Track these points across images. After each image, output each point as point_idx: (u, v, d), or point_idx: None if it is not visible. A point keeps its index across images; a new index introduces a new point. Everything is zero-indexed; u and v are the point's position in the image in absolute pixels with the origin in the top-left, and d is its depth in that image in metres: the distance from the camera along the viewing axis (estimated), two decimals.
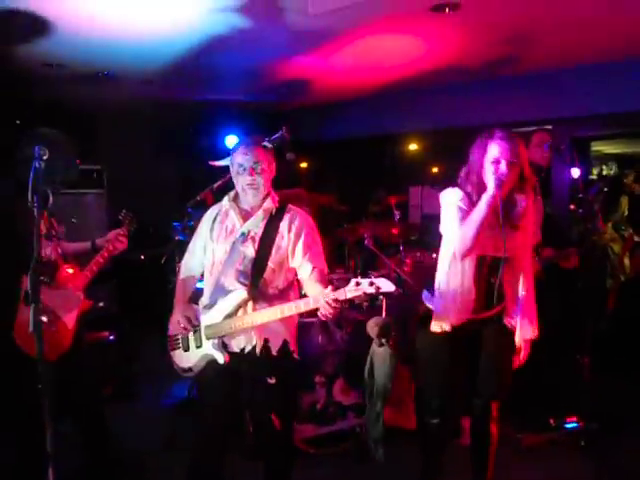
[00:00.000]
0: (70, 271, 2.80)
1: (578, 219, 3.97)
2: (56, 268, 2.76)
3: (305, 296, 2.39)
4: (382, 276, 3.51)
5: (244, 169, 2.43)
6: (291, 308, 2.31)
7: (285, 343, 2.47)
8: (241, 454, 3.12)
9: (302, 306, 2.29)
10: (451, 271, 2.50)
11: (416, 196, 5.29)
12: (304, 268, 2.44)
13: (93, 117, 4.89)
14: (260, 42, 3.77)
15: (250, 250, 2.44)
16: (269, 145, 2.67)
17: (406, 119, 5.36)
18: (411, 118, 5.29)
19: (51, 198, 2.23)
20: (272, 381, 2.40)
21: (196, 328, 2.50)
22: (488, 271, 2.49)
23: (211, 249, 2.52)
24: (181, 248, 4.99)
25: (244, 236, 2.46)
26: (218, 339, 2.44)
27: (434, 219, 2.64)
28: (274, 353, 2.43)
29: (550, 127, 4.53)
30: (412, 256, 3.65)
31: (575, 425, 3.48)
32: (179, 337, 2.57)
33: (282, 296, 2.46)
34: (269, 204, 2.48)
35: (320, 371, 3.40)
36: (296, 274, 2.51)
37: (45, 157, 2.21)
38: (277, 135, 3.08)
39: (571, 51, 4.13)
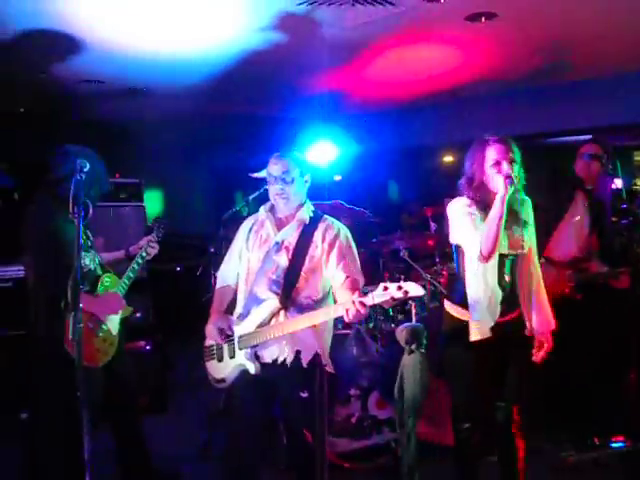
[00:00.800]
0: (109, 279, 2.88)
1: (621, 230, 3.84)
2: (96, 277, 2.83)
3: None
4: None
5: (274, 179, 2.46)
6: (319, 315, 2.31)
7: (316, 355, 2.44)
8: (275, 466, 3.10)
9: (331, 312, 2.29)
10: (476, 277, 2.52)
11: None
12: (337, 277, 2.42)
13: (131, 131, 5.00)
14: (297, 56, 3.81)
15: (284, 259, 2.44)
16: (301, 155, 2.66)
17: (441, 131, 5.31)
18: (446, 130, 5.24)
19: (91, 210, 2.30)
20: (304, 395, 2.38)
21: (230, 339, 2.49)
22: (505, 270, 2.52)
23: (247, 258, 2.54)
24: (216, 260, 5.09)
25: (278, 245, 2.46)
26: (251, 349, 2.43)
27: None
28: (304, 365, 2.40)
29: (590, 136, 4.42)
30: (449, 267, 3.59)
31: (621, 445, 3.33)
32: (214, 348, 2.58)
33: (317, 307, 2.44)
34: (303, 214, 2.49)
35: (355, 384, 3.36)
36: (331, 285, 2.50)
37: (86, 170, 2.28)
38: (308, 145, 3.08)
39: (611, 59, 4.05)
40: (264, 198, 2.68)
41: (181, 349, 4.94)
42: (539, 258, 2.73)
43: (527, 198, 2.61)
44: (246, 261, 2.55)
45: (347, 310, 2.15)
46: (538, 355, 2.57)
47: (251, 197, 3.32)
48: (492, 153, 2.45)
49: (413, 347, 3.14)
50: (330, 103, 5.06)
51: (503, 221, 2.38)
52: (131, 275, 2.94)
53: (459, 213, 2.53)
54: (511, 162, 2.42)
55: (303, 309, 2.41)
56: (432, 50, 3.78)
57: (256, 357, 2.44)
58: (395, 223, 4.45)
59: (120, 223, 4.63)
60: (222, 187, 5.65)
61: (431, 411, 3.38)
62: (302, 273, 2.42)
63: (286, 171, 2.46)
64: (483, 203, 2.50)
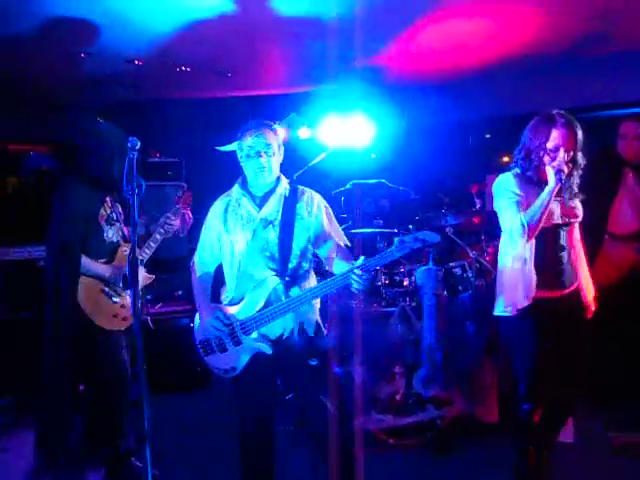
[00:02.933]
0: (127, 250, 2.98)
1: None
2: (115, 248, 2.98)
3: (331, 274, 2.40)
4: (462, 266, 3.47)
5: (256, 152, 2.38)
6: (327, 286, 2.32)
7: (318, 323, 2.51)
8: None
9: (337, 283, 2.29)
10: (514, 249, 2.52)
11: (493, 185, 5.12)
12: (329, 246, 2.45)
13: (173, 111, 5.02)
14: (336, 28, 3.73)
15: (273, 235, 2.41)
16: (279, 128, 2.62)
17: (482, 105, 5.19)
18: (487, 104, 5.12)
19: (144, 187, 2.32)
20: (314, 363, 2.41)
21: (230, 327, 2.44)
22: (562, 241, 2.53)
23: (228, 241, 2.47)
24: None
25: (265, 222, 2.43)
26: (257, 331, 2.42)
27: None
28: (311, 335, 2.45)
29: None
30: (494, 245, 3.54)
31: None
32: (211, 341, 2.50)
33: (308, 277, 2.50)
34: (282, 187, 2.47)
35: (400, 361, 3.37)
36: (314, 254, 2.53)
37: (137, 148, 2.29)
38: (287, 118, 3.05)
39: None
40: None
41: None
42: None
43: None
44: (227, 244, 2.48)
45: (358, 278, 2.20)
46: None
47: (295, 175, 3.33)
48: (555, 136, 2.44)
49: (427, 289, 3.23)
50: (368, 77, 4.98)
51: (544, 212, 2.40)
52: (147, 251, 3.03)
53: (505, 191, 2.53)
54: (571, 150, 2.43)
55: (300, 281, 2.44)
56: (476, 21, 3.66)
57: (265, 337, 2.43)
58: (435, 201, 4.39)
59: (161, 202, 4.69)
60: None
61: (476, 389, 3.38)
62: (294, 247, 2.42)
63: (268, 144, 2.39)
64: (535, 179, 2.52)
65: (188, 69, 4.50)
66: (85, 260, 2.88)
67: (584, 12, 3.52)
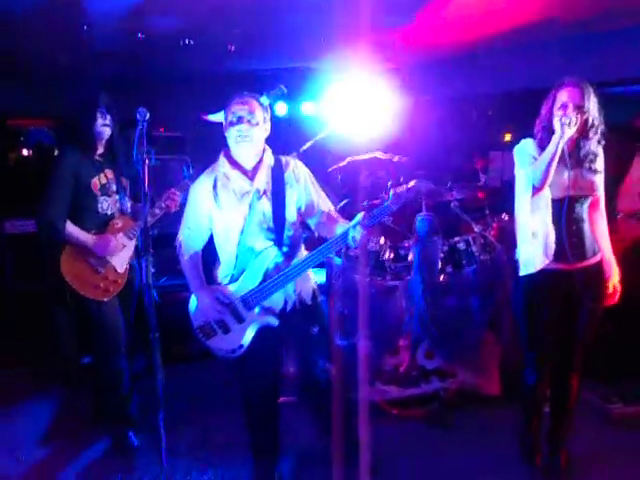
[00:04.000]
0: (119, 222, 3.02)
1: None
2: (108, 220, 3.00)
3: (324, 239, 2.43)
4: (466, 241, 3.48)
5: (238, 118, 2.36)
6: (331, 246, 2.36)
7: (314, 291, 2.55)
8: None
9: (333, 246, 2.35)
10: (531, 215, 2.55)
11: (497, 161, 5.12)
12: (319, 212, 2.51)
13: (176, 85, 4.99)
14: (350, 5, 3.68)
15: (267, 206, 2.42)
16: (266, 100, 2.60)
17: (485, 80, 5.15)
18: (492, 79, 5.08)
19: (153, 159, 2.33)
20: (316, 329, 2.47)
21: (232, 305, 2.42)
22: (575, 213, 2.53)
23: (221, 218, 2.43)
24: None
25: (259, 193, 2.43)
26: (260, 305, 2.42)
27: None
28: (309, 302, 2.50)
29: None
30: (499, 220, 3.56)
31: None
32: (211, 324, 2.46)
33: (301, 247, 2.55)
34: (269, 159, 2.47)
35: (404, 334, 3.41)
36: (304, 223, 2.57)
37: (147, 118, 2.29)
38: (274, 90, 3.05)
39: None
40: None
41: None
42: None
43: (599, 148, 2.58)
44: (220, 220, 2.44)
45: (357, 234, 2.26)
46: (610, 300, 2.64)
47: (301, 149, 3.33)
48: (562, 95, 2.47)
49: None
50: (373, 52, 4.93)
51: (551, 162, 2.40)
52: (141, 224, 2.89)
53: (523, 154, 2.58)
54: (576, 107, 2.43)
55: (295, 249, 2.47)
56: None
57: (269, 310, 2.43)
58: (440, 176, 4.38)
59: (165, 176, 4.70)
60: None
61: (478, 361, 3.42)
62: (287, 216, 2.44)
63: (252, 112, 2.37)
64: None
65: (192, 42, 4.47)
66: (73, 229, 2.90)
67: None
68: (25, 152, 5.99)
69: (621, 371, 3.52)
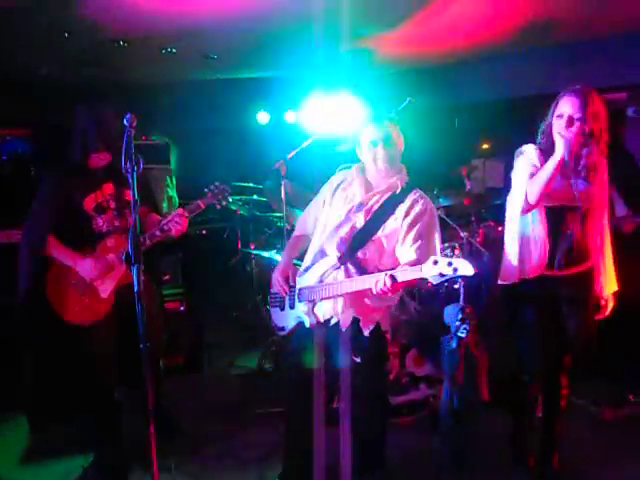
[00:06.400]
0: (112, 241, 2.82)
1: None
2: (101, 240, 2.80)
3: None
4: (453, 247, 3.50)
5: (373, 143, 2.36)
6: (371, 280, 2.18)
7: (378, 325, 2.42)
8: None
9: (366, 282, 2.19)
10: (522, 222, 2.52)
11: (478, 168, 5.17)
12: (408, 256, 2.31)
13: (158, 93, 4.95)
14: (325, 10, 3.69)
15: (360, 220, 2.39)
16: (396, 117, 2.52)
17: (469, 89, 5.22)
18: (474, 89, 5.16)
19: (141, 166, 2.28)
20: (357, 359, 2.36)
21: (292, 289, 2.55)
22: (564, 223, 2.50)
23: (326, 213, 2.51)
24: (242, 223, 5.10)
25: (361, 206, 2.40)
26: (309, 303, 2.45)
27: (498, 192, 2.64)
28: (366, 334, 2.38)
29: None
30: (485, 226, 3.58)
31: None
32: (277, 296, 2.66)
33: (370, 272, 2.36)
34: (395, 181, 2.39)
35: (393, 341, 3.40)
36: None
37: (134, 124, 2.25)
38: (404, 104, 3.00)
39: None
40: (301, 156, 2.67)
41: (211, 311, 5.03)
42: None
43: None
44: (325, 216, 2.51)
45: (376, 282, 2.12)
46: (596, 315, 2.63)
47: (289, 155, 3.32)
48: (562, 104, 2.41)
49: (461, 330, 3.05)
50: (359, 60, 4.96)
51: (548, 182, 2.34)
52: (148, 243, 2.76)
53: (524, 159, 2.53)
54: (575, 119, 2.36)
55: (361, 271, 2.33)
56: (469, 3, 3.63)
57: (312, 312, 2.47)
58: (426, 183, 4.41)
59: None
60: (248, 151, 5.60)
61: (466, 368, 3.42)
62: (373, 239, 2.35)
63: (388, 134, 2.36)
64: (550, 152, 2.44)
65: (174, 50, 4.44)
66: (56, 247, 2.73)
67: None
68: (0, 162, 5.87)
69: (607, 374, 3.55)
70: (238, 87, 5.14)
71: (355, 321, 2.39)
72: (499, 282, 2.62)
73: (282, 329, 2.64)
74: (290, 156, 3.32)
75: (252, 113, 5.71)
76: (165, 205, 4.49)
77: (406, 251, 2.32)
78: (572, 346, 2.64)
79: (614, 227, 3.35)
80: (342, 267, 2.36)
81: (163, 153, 4.81)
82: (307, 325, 2.46)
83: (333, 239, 2.43)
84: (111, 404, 2.90)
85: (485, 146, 5.61)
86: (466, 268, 1.97)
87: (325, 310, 2.43)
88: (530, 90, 4.66)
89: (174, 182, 4.94)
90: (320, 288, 2.40)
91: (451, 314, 3.01)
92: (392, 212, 2.35)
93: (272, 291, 2.69)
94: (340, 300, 2.37)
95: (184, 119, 5.26)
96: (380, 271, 2.27)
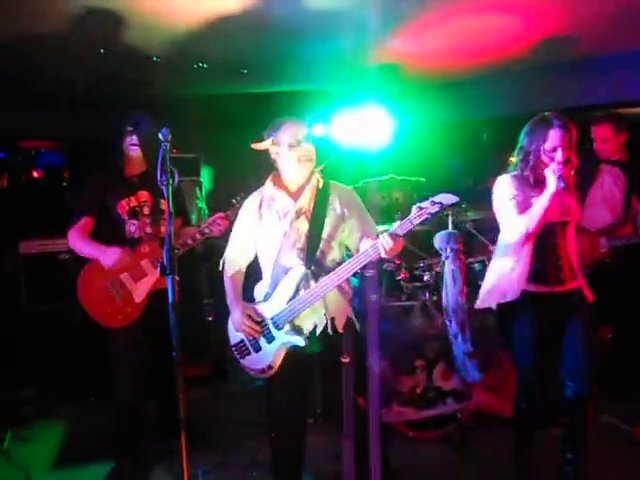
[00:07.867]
0: (146, 247, 2.94)
1: None
2: (133, 246, 2.92)
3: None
4: (480, 262, 3.49)
5: (298, 142, 2.44)
6: (351, 265, 2.30)
7: (349, 320, 2.49)
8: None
9: (370, 252, 2.25)
10: (511, 246, 2.61)
11: None
12: (357, 238, 2.46)
13: (189, 107, 5.04)
14: (352, 26, 3.74)
15: (304, 225, 2.44)
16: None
17: (496, 103, 5.22)
18: (504, 102, 5.15)
19: (177, 178, 2.34)
20: (346, 360, 2.38)
21: (263, 324, 2.46)
22: (559, 239, 2.59)
23: (264, 236, 2.49)
24: None
25: (297, 213, 2.45)
26: (289, 325, 2.42)
27: None
28: (340, 330, 2.44)
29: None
30: None
31: None
32: (245, 342, 2.51)
33: (334, 267, 2.45)
34: (316, 180, 2.50)
35: (421, 355, 3.39)
36: (347, 248, 2.53)
37: (170, 139, 2.32)
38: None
39: None
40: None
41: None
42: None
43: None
44: (264, 241, 2.50)
45: (382, 245, 2.18)
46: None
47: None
48: (552, 138, 2.49)
49: (448, 252, 3.28)
50: (382, 75, 5.00)
51: (543, 215, 2.46)
52: (180, 248, 2.90)
53: (503, 195, 2.63)
54: (567, 150, 2.49)
55: (327, 270, 2.42)
56: (491, 18, 3.66)
57: (298, 330, 2.43)
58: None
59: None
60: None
61: (495, 382, 3.40)
62: (323, 237, 2.43)
63: (308, 134, 2.47)
64: (532, 179, 2.59)
65: (204, 65, 4.54)
66: (81, 239, 2.87)
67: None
68: (35, 174, 6.04)
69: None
70: (267, 101, 5.20)
71: (333, 322, 2.43)
72: (496, 302, 2.66)
73: (269, 368, 2.45)
74: (319, 170, 3.33)
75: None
76: (194, 217, 4.58)
77: (354, 235, 2.47)
78: (588, 365, 2.62)
79: None
80: (310, 272, 2.40)
81: (193, 166, 4.90)
82: (302, 344, 2.40)
83: (288, 253, 2.43)
84: (136, 411, 2.98)
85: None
86: (448, 198, 2.14)
87: (310, 321, 2.43)
88: (559, 103, 4.64)
89: (203, 194, 5.02)
90: (300, 301, 2.38)
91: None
92: (327, 207, 2.45)
93: (234, 342, 2.54)
94: (319, 305, 2.40)
95: (214, 132, 5.35)
96: (338, 264, 2.40)
